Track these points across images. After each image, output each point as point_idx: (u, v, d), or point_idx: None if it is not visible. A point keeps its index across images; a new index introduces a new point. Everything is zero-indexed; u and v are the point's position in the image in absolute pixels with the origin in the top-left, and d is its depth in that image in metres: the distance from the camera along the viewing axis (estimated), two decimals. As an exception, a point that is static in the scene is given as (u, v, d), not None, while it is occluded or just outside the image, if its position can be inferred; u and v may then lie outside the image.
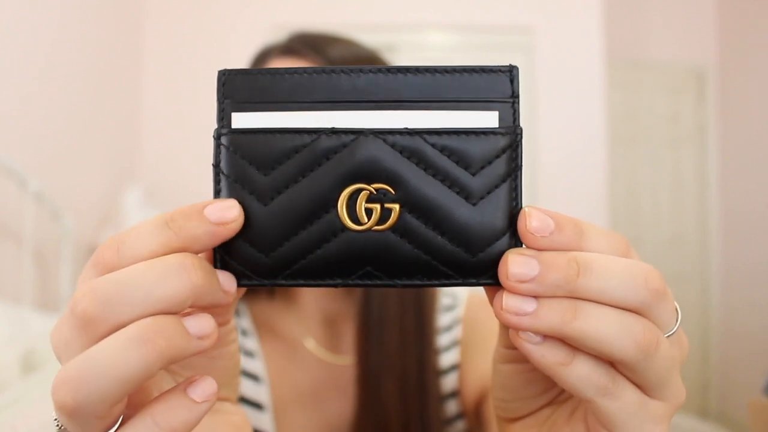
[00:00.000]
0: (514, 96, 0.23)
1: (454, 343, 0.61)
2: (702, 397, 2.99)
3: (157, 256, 0.21)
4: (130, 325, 0.20)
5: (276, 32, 2.14)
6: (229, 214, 0.22)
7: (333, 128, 0.23)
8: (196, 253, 0.22)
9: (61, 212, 1.53)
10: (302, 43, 0.58)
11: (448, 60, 2.45)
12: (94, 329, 0.20)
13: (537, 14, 2.42)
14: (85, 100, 1.86)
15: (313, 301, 0.62)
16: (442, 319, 0.62)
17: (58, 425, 0.21)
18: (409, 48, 2.40)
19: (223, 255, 0.24)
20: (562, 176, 2.37)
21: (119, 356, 0.19)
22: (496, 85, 0.23)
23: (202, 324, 0.22)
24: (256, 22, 2.33)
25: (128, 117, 2.23)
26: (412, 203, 0.23)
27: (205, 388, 0.22)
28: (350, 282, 0.23)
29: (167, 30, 2.36)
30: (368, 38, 0.63)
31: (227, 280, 0.23)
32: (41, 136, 1.58)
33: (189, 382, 0.22)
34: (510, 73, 0.23)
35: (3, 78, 1.41)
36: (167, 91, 2.34)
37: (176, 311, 0.21)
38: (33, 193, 1.38)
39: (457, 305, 0.64)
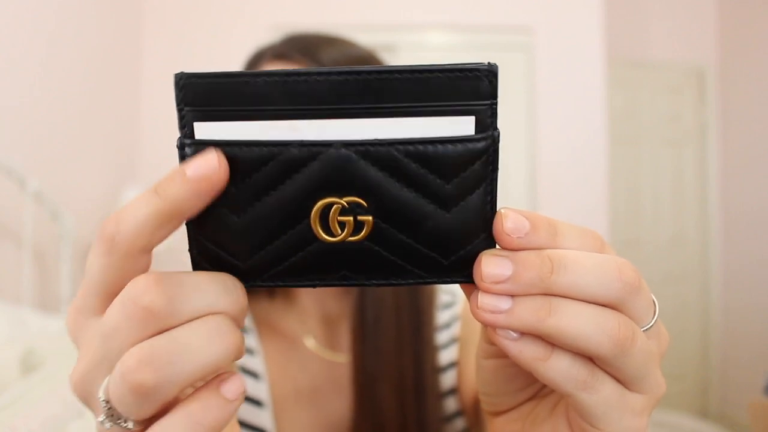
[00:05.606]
0: (493, 98, 0.21)
1: (453, 340, 0.61)
2: (702, 397, 2.98)
3: (151, 223, 0.21)
4: (207, 318, 0.21)
5: (276, 32, 2.14)
6: (208, 165, 0.21)
7: (301, 141, 0.21)
8: (187, 217, 0.22)
9: (60, 212, 1.54)
10: (293, 47, 0.58)
11: (448, 60, 2.44)
12: (163, 322, 0.20)
13: (537, 14, 2.41)
14: (85, 99, 1.86)
15: (313, 300, 0.62)
16: (441, 317, 0.62)
17: (108, 406, 0.21)
18: (409, 48, 2.40)
19: (201, 260, 0.23)
20: (562, 176, 2.37)
21: (205, 343, 0.20)
22: (474, 87, 0.21)
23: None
24: (256, 22, 2.33)
25: (128, 117, 2.23)
26: (386, 214, 0.22)
27: (237, 386, 0.22)
28: (327, 282, 0.23)
29: (167, 30, 2.37)
30: (368, 38, 0.63)
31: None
32: (41, 136, 1.59)
33: (220, 379, 0.22)
34: (488, 72, 0.21)
35: (2, 78, 1.42)
36: (167, 91, 2.34)
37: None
38: (32, 193, 1.38)
39: (456, 302, 0.64)
